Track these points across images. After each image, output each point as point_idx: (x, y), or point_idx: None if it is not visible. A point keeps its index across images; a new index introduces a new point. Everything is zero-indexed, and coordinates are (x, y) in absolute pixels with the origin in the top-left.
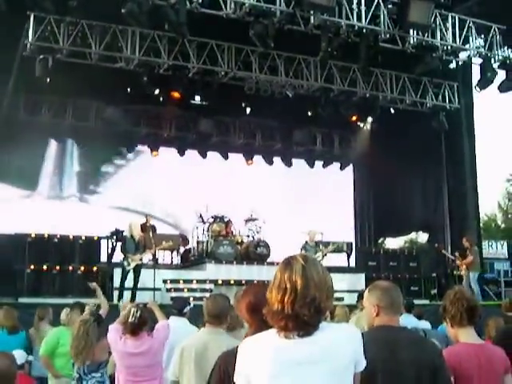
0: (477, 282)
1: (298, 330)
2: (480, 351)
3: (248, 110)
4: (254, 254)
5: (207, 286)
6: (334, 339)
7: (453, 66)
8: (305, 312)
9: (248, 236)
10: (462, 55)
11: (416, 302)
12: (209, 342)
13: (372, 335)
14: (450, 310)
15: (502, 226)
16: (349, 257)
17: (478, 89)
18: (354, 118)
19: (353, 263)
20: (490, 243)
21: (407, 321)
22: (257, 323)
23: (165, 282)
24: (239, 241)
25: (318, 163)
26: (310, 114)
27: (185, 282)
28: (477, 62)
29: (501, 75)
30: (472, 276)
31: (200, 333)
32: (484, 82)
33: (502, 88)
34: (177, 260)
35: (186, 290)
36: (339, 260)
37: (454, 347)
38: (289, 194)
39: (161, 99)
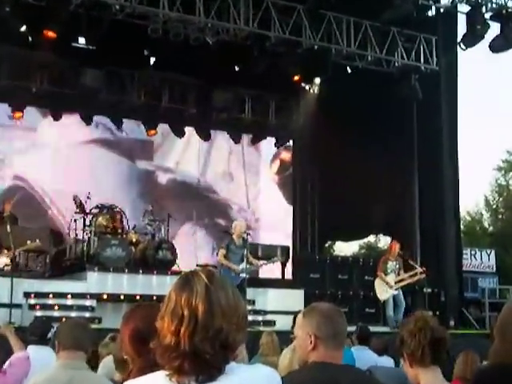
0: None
1: (197, 374)
2: None
3: (152, 59)
4: (154, 259)
5: (87, 302)
6: None
7: (431, 13)
8: (207, 349)
9: (146, 234)
10: (444, 0)
11: (373, 329)
12: (71, 381)
13: (304, 376)
14: (409, 344)
15: (490, 229)
16: (284, 266)
17: (463, 46)
18: (297, 78)
19: (289, 275)
20: (473, 252)
21: (361, 356)
22: (143, 360)
23: (27, 295)
24: (134, 240)
25: (246, 137)
26: (236, 68)
27: (56, 296)
28: (463, 10)
29: (493, 29)
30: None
31: (55, 368)
32: (471, 38)
33: (495, 46)
34: (45, 266)
35: (56, 307)
36: (270, 270)
37: None
38: (205, 178)
39: (29, 39)
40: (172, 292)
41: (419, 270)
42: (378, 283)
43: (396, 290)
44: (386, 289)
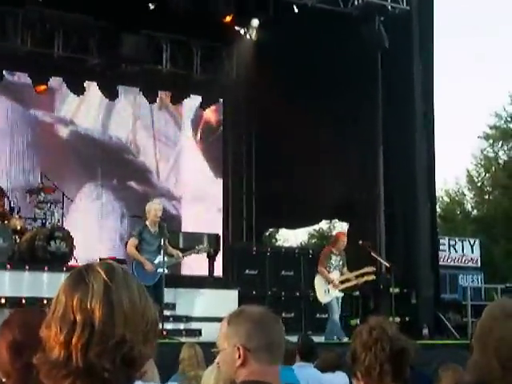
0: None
1: None
2: None
3: None
4: (45, 251)
5: None
6: None
7: None
8: (105, 364)
9: (34, 219)
10: None
11: (322, 339)
12: None
13: None
14: (363, 359)
15: (474, 212)
16: (212, 260)
17: None
18: (229, 19)
19: (219, 271)
20: (453, 242)
21: (303, 375)
22: (21, 376)
23: None
24: (18, 228)
25: (164, 95)
26: (151, 6)
27: None
28: None
29: None
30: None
31: None
32: None
33: None
34: None
35: None
36: (196, 265)
37: None
38: (111, 148)
39: None
40: (61, 292)
41: (368, 269)
42: (318, 281)
43: (341, 291)
44: (328, 289)
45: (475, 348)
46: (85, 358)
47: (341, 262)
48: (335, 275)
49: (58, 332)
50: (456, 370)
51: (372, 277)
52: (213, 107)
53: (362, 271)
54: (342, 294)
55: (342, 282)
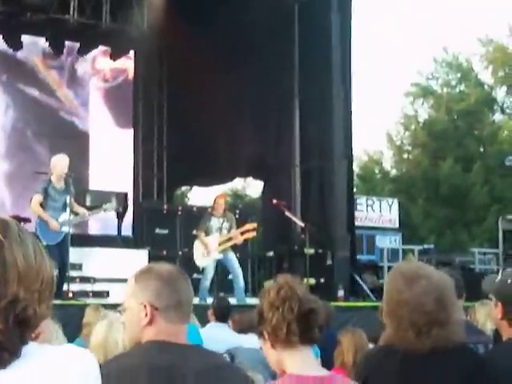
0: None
1: None
2: None
3: None
4: None
5: None
6: (46, 375)
7: None
8: None
9: None
10: None
11: (233, 302)
12: None
13: (134, 362)
14: (270, 319)
15: (393, 172)
16: (121, 218)
17: None
18: None
19: (128, 230)
20: (370, 202)
21: (219, 336)
22: None
23: None
24: None
25: (71, 45)
26: None
27: None
28: None
29: None
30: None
31: None
32: None
33: None
34: None
35: None
36: (103, 224)
37: (275, 383)
38: (18, 102)
39: None
40: None
41: (249, 226)
42: (196, 245)
43: (221, 253)
44: (205, 252)
45: (389, 323)
46: None
47: (224, 224)
48: (213, 238)
49: None
50: (355, 334)
51: (253, 234)
52: (123, 58)
53: (242, 229)
54: (221, 256)
55: (221, 244)
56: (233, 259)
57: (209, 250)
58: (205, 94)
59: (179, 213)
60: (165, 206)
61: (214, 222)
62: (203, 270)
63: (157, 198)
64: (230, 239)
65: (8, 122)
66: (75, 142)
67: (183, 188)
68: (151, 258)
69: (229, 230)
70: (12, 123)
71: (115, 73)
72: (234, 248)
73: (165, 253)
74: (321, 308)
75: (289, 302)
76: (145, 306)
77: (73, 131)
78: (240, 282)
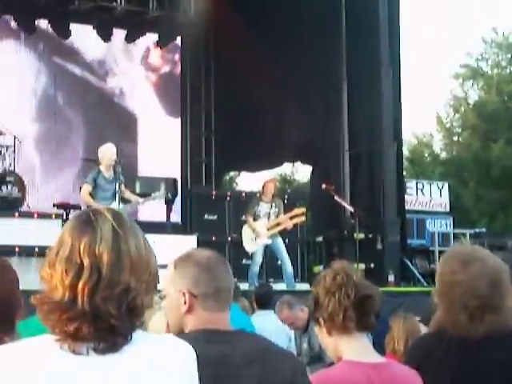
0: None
1: (98, 340)
2: (377, 375)
3: None
4: None
5: None
6: (155, 360)
7: None
8: (111, 310)
9: None
10: None
11: (282, 287)
12: None
13: None
14: (326, 306)
15: (442, 155)
16: (170, 205)
17: None
18: None
19: (177, 216)
20: (420, 185)
21: (263, 325)
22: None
23: None
24: None
25: (119, 33)
26: None
27: None
28: None
29: None
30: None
31: None
32: None
33: None
34: None
35: None
36: (152, 210)
37: (330, 370)
38: (60, 91)
39: None
40: (66, 234)
41: (298, 211)
42: (245, 230)
43: (270, 238)
44: (253, 237)
45: (441, 305)
46: (91, 302)
47: (272, 210)
48: (262, 223)
49: (64, 274)
50: (406, 319)
51: (302, 219)
52: (170, 45)
53: (291, 214)
54: (269, 241)
55: (270, 229)
56: (280, 244)
57: (257, 234)
58: (252, 79)
59: (228, 198)
60: (213, 192)
61: (263, 207)
62: (252, 255)
63: (205, 183)
64: (278, 224)
65: (58, 108)
66: (124, 129)
67: (231, 173)
68: (200, 244)
69: (277, 215)
70: (61, 109)
71: (162, 60)
72: (283, 233)
73: (214, 238)
74: (377, 294)
75: (345, 287)
76: (183, 294)
77: (121, 118)
78: (288, 267)
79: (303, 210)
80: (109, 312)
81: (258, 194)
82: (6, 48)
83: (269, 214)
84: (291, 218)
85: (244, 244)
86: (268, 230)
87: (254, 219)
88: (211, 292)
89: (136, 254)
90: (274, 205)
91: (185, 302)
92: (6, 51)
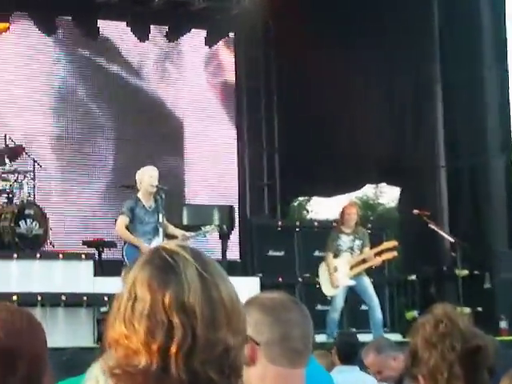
0: None
1: None
2: None
3: None
4: (13, 234)
5: None
6: None
7: None
8: (212, 374)
9: None
10: None
11: (371, 337)
12: None
13: None
14: (426, 360)
15: None
16: (226, 238)
17: None
18: None
19: (234, 253)
20: None
21: (341, 379)
22: None
23: None
24: None
25: (158, 30)
26: None
27: None
28: None
29: None
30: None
31: None
32: None
33: None
34: None
35: None
36: (203, 245)
37: None
38: (89, 99)
39: None
40: (141, 285)
41: (388, 244)
42: (322, 270)
43: (353, 278)
44: (334, 278)
45: None
46: (188, 368)
47: (356, 243)
48: (344, 260)
49: (149, 336)
50: None
51: (393, 254)
52: (221, 43)
53: (378, 248)
54: (353, 282)
55: (354, 267)
56: (368, 285)
57: (338, 275)
58: (323, 83)
59: (297, 230)
60: (279, 222)
61: (344, 240)
62: (331, 299)
63: (268, 212)
64: (363, 261)
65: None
66: (166, 144)
67: (300, 199)
68: (264, 287)
69: (361, 249)
70: (92, 124)
71: (212, 60)
72: (368, 271)
73: (280, 280)
74: (490, 345)
75: (449, 338)
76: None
77: (163, 132)
78: (377, 313)
79: (395, 243)
80: (210, 378)
81: (336, 224)
82: (22, 54)
83: (352, 248)
84: (379, 253)
85: (322, 286)
86: (351, 268)
87: (335, 255)
88: (277, 339)
89: (230, 302)
90: (357, 236)
91: (249, 353)
92: (24, 58)
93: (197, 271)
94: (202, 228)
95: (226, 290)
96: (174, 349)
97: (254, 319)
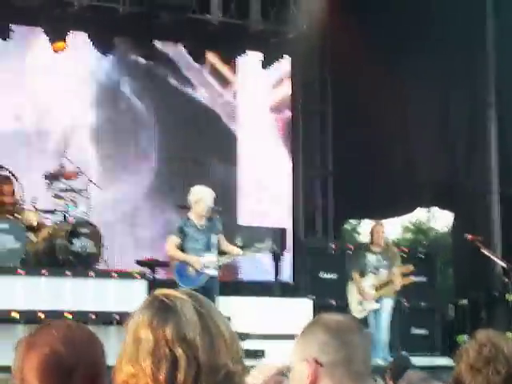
0: None
1: None
2: None
3: None
4: (66, 251)
5: None
6: None
7: None
8: None
9: (53, 212)
10: None
11: (421, 361)
12: None
13: None
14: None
15: None
16: (278, 260)
17: None
18: None
19: (287, 275)
20: None
21: None
22: None
23: None
24: (33, 223)
25: (213, 51)
26: None
27: None
28: None
29: None
30: None
31: None
32: None
33: None
34: None
35: None
36: (255, 267)
37: None
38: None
39: None
40: (142, 326)
41: (403, 269)
42: (350, 291)
43: (378, 301)
44: (361, 301)
45: None
46: None
47: (383, 263)
48: (370, 281)
49: (155, 369)
50: None
51: (409, 280)
52: (276, 64)
53: (403, 269)
54: (378, 306)
55: (379, 288)
56: (385, 309)
57: (364, 296)
58: (377, 105)
59: (349, 252)
60: (332, 245)
61: (370, 259)
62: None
63: (321, 233)
64: (389, 282)
65: (162, 129)
66: (221, 164)
67: (352, 221)
68: (317, 309)
69: (389, 270)
70: (164, 133)
71: (267, 82)
72: (420, 294)
73: (334, 302)
74: None
75: (493, 363)
76: (309, 363)
77: (219, 152)
78: (381, 335)
79: (410, 267)
80: None
81: (366, 243)
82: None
83: (377, 268)
84: (405, 274)
85: (350, 307)
86: (376, 289)
87: (361, 274)
88: (341, 361)
89: (227, 332)
90: (385, 256)
91: (310, 375)
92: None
93: (194, 308)
94: (256, 245)
95: (223, 323)
96: (181, 377)
97: (319, 340)
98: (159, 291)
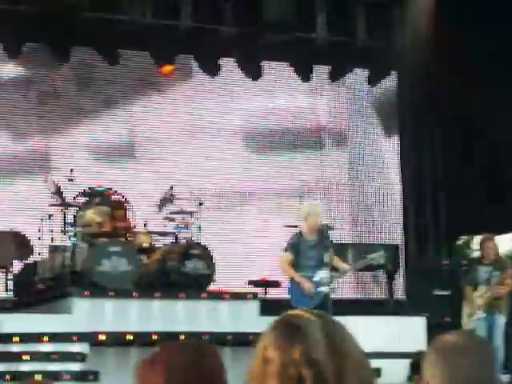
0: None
1: None
2: None
3: None
4: (180, 274)
5: (75, 347)
6: None
7: None
8: None
9: (165, 235)
10: None
11: None
12: None
13: None
14: None
15: None
16: (391, 278)
17: None
18: None
19: (400, 292)
20: None
21: None
22: None
23: None
24: (146, 245)
25: (320, 70)
26: None
27: (24, 339)
28: None
29: None
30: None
31: None
32: None
33: None
34: (6, 290)
35: (25, 357)
36: (366, 285)
37: None
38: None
39: None
40: (268, 347)
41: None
42: (464, 307)
43: (489, 316)
44: (472, 311)
45: None
46: None
47: (495, 273)
48: (481, 292)
49: None
50: None
51: (508, 289)
52: (383, 82)
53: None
54: (483, 315)
55: (486, 300)
56: (498, 325)
57: (474, 309)
58: (490, 117)
59: (463, 269)
60: (444, 262)
61: (481, 272)
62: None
63: (434, 251)
64: (499, 293)
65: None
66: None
67: (465, 237)
68: (430, 327)
69: (501, 280)
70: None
71: (375, 100)
72: None
73: (448, 320)
74: None
75: None
76: None
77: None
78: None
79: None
80: None
81: (479, 257)
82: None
83: (489, 279)
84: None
85: (462, 323)
86: (484, 301)
87: (474, 288)
88: (462, 381)
89: (357, 354)
90: (496, 267)
91: None
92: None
93: (321, 328)
94: (368, 256)
95: (352, 343)
96: None
97: (444, 362)
98: (288, 312)
